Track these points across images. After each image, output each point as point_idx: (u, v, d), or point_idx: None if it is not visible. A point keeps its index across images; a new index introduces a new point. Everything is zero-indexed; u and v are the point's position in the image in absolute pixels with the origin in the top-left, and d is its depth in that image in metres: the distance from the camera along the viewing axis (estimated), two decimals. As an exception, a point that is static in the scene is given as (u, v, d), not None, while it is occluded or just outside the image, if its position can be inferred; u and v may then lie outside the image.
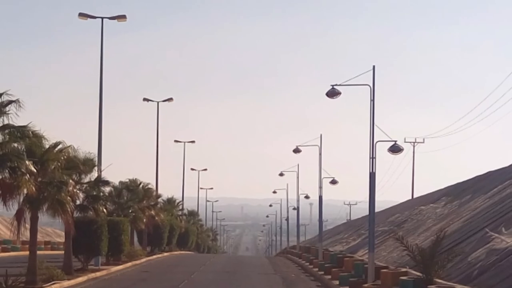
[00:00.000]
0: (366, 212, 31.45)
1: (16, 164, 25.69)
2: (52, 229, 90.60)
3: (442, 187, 61.83)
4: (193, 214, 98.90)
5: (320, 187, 47.08)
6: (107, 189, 40.72)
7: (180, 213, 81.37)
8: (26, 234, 31.53)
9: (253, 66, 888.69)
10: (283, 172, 63.71)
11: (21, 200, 27.79)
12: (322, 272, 38.31)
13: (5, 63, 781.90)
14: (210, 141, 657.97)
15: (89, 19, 45.06)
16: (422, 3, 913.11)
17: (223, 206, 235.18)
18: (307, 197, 68.91)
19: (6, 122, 26.18)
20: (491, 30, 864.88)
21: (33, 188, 26.72)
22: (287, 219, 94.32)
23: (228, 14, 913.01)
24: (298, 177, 62.34)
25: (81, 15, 45.00)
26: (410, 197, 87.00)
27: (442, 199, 51.65)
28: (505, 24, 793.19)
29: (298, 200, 66.15)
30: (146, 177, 60.60)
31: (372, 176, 28.15)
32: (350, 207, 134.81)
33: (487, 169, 53.43)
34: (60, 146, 30.14)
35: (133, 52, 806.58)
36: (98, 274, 36.60)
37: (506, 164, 48.69)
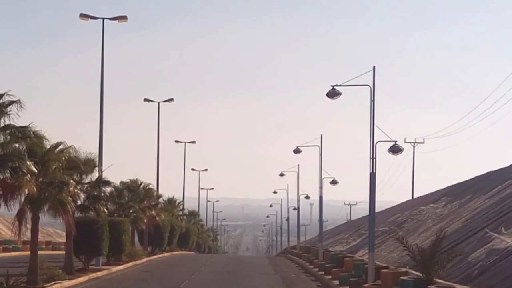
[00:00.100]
0: (366, 212, 31.49)
1: (17, 165, 25.75)
2: (53, 229, 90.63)
3: (442, 187, 61.91)
4: (193, 214, 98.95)
5: (321, 187, 47.11)
6: (108, 189, 40.78)
7: (180, 213, 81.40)
8: (27, 234, 31.53)
9: (254, 66, 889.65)
10: (284, 172, 63.71)
11: (22, 200, 27.78)
12: (323, 272, 38.37)
13: (6, 64, 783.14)
14: (211, 142, 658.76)
15: (90, 19, 45.13)
16: (422, 4, 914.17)
17: (223, 206, 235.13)
18: (307, 197, 68.94)
19: (7, 122, 26.23)
20: (491, 31, 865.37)
21: (34, 188, 26.79)
22: (287, 219, 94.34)
23: (228, 15, 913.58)
24: (298, 177, 62.44)
25: (82, 15, 45.07)
26: (410, 197, 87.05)
27: (442, 199, 51.69)
28: (505, 25, 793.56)
29: (298, 200, 66.18)
30: (147, 178, 60.90)
31: (372, 176, 28.19)
32: (350, 207, 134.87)
33: (487, 169, 53.58)
34: (61, 147, 30.18)
35: (134, 53, 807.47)
36: (99, 274, 36.65)
37: (506, 164, 48.75)
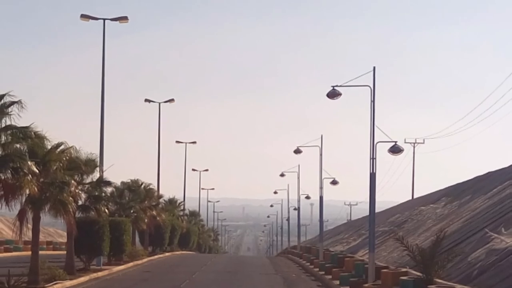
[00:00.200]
0: (367, 213, 31.51)
1: (18, 165, 25.79)
2: (54, 229, 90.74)
3: (442, 187, 61.98)
4: (194, 214, 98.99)
5: (321, 188, 47.14)
6: (109, 189, 40.72)
7: (181, 213, 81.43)
8: (28, 234, 31.61)
9: (254, 66, 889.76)
10: (284, 173, 63.77)
11: (24, 200, 27.84)
12: (323, 272, 38.43)
13: (8, 64, 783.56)
14: (211, 142, 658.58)
15: (91, 20, 45.15)
16: (422, 4, 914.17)
17: (224, 207, 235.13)
18: (307, 197, 68.99)
19: (8, 123, 26.27)
20: (491, 31, 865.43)
21: (35, 189, 26.86)
22: (288, 219, 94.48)
23: (228, 15, 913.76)
24: (299, 178, 62.52)
25: (83, 16, 45.12)
26: (410, 198, 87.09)
27: (442, 200, 51.74)
28: (505, 25, 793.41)
29: (299, 201, 66.26)
30: (147, 178, 60.87)
31: (372, 176, 28.24)
32: (350, 207, 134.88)
33: (487, 169, 53.65)
34: (62, 147, 30.23)
35: (135, 53, 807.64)
36: (100, 274, 36.68)
37: (506, 165, 48.81)
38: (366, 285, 26.82)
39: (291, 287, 34.36)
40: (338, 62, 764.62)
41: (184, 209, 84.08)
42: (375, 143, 27.99)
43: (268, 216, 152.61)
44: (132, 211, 49.97)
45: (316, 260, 44.87)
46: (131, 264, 44.90)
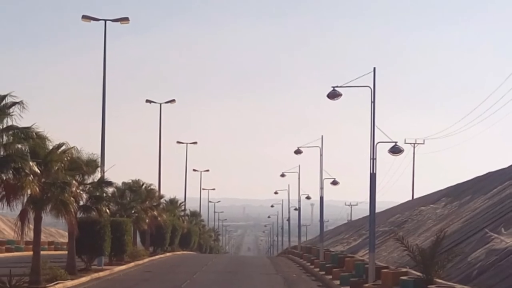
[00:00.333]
0: (367, 213, 31.57)
1: (20, 165, 25.83)
2: (55, 230, 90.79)
3: (442, 187, 62.00)
4: (195, 214, 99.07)
5: (321, 188, 47.16)
6: (110, 190, 40.74)
7: (182, 213, 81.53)
8: (29, 235, 31.70)
9: (254, 67, 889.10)
10: (285, 173, 63.81)
11: (25, 200, 27.91)
12: (323, 272, 38.50)
13: (9, 65, 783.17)
14: (212, 142, 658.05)
15: (92, 21, 45.15)
16: (422, 5, 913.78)
17: (225, 207, 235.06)
18: (308, 197, 69.11)
19: (10, 123, 26.32)
20: (491, 31, 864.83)
21: (37, 189, 26.90)
22: (288, 220, 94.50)
23: (229, 16, 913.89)
24: (299, 178, 62.61)
25: (85, 17, 45.15)
26: (411, 198, 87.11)
27: (442, 200, 51.80)
28: (505, 25, 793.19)
29: (299, 201, 66.41)
30: (148, 178, 61.04)
31: (372, 177, 28.31)
32: (351, 207, 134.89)
33: (486, 170, 53.77)
34: (63, 147, 30.28)
35: (136, 54, 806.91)
36: (101, 274, 36.75)
37: (506, 165, 48.88)
38: (366, 285, 26.89)
39: (292, 287, 34.44)
40: (339, 63, 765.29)
41: (185, 209, 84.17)
42: (375, 143, 28.06)
43: (269, 216, 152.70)
44: (133, 211, 50.03)
45: (316, 260, 44.94)
46: (132, 264, 44.97)
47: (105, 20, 45.10)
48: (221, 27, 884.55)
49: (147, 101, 68.50)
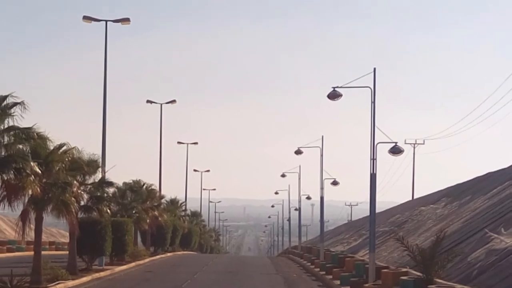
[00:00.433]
0: (367, 213, 31.64)
1: (21, 166, 25.88)
2: (56, 230, 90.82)
3: (442, 188, 62.04)
4: (196, 214, 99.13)
5: (322, 188, 47.20)
6: (111, 190, 40.73)
7: (183, 213, 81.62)
8: (31, 235, 31.77)
9: (255, 68, 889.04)
10: (285, 173, 63.92)
11: (26, 201, 27.94)
12: (324, 272, 38.58)
13: (10, 66, 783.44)
14: (213, 143, 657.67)
15: (93, 22, 45.19)
16: (422, 6, 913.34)
17: (225, 207, 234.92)
18: (308, 198, 69.13)
19: (11, 124, 26.38)
20: (490, 32, 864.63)
21: (38, 189, 26.94)
22: (289, 220, 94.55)
23: (230, 18, 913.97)
24: (299, 178, 62.66)
25: (86, 18, 45.20)
26: (411, 198, 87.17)
27: (442, 200, 51.86)
28: (505, 26, 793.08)
29: (299, 201, 66.48)
30: (149, 178, 61.00)
31: (373, 177, 28.37)
32: (351, 207, 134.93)
33: (486, 170, 53.82)
34: (64, 148, 30.28)
35: (137, 55, 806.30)
36: (102, 274, 36.82)
37: (506, 165, 48.94)
38: (366, 285, 26.96)
39: (292, 287, 34.51)
40: (339, 64, 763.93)
41: (185, 210, 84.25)
42: (375, 144, 28.12)
43: (269, 217, 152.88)
44: (134, 211, 50.09)
45: (316, 260, 45.01)
46: (133, 264, 45.05)
47: (106, 21, 45.15)
48: (222, 28, 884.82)
49: (148, 101, 68.61)
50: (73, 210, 30.34)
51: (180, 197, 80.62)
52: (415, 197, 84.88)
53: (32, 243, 35.53)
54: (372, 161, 28.25)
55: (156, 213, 55.02)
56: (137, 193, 51.40)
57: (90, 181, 36.20)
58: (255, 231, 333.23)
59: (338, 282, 32.58)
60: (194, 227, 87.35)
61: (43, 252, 31.36)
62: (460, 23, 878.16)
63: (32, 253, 31.12)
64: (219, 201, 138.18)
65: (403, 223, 51.59)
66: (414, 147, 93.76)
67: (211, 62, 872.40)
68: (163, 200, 63.51)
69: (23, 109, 26.34)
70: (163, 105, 68.25)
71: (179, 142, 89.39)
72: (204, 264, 49.89)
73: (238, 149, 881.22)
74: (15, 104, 26.35)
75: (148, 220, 51.71)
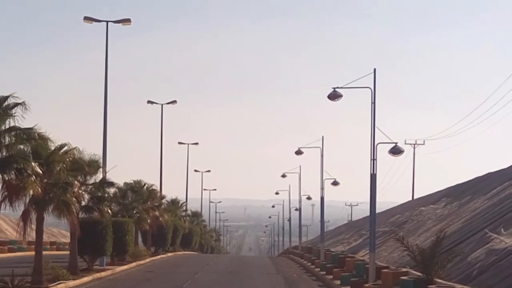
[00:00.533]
0: (367, 213, 31.68)
1: (22, 166, 25.91)
2: (57, 230, 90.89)
3: (442, 188, 62.07)
4: (196, 215, 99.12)
5: (322, 188, 47.23)
6: (112, 190, 40.82)
7: (184, 214, 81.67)
8: (32, 235, 31.81)
9: (255, 68, 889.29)
10: (286, 174, 63.95)
11: (27, 201, 27.96)
12: (324, 272, 38.64)
13: (12, 66, 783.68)
14: (214, 143, 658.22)
15: (94, 22, 45.21)
16: (422, 6, 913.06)
17: (226, 207, 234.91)
18: (309, 198, 69.18)
19: (12, 124, 26.38)
20: (490, 33, 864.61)
21: (39, 189, 26.97)
22: (289, 220, 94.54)
23: (230, 18, 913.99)
24: (300, 179, 62.69)
25: (86, 18, 45.23)
26: (411, 198, 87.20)
27: (442, 200, 51.91)
28: (505, 26, 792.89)
29: (300, 201, 66.54)
30: (150, 179, 61.22)
31: (373, 177, 28.42)
32: (351, 208, 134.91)
33: (486, 170, 53.75)
34: (65, 148, 30.27)
35: (138, 55, 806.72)
36: (103, 274, 36.87)
37: (506, 166, 48.97)
38: (366, 285, 27.02)
39: (293, 287, 34.58)
40: (339, 64, 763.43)
41: (186, 210, 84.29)
42: (375, 144, 28.16)
43: (270, 217, 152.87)
44: (135, 211, 50.14)
45: (317, 260, 45.07)
46: (134, 264, 45.10)
47: (107, 22, 45.16)
48: (222, 28, 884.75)
49: (149, 102, 68.66)
50: (74, 210, 30.39)
51: (181, 197, 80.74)
52: (415, 197, 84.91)
53: (33, 243, 35.57)
54: (372, 161, 28.31)
55: (157, 213, 55.07)
56: (138, 193, 51.45)
57: (91, 181, 36.25)
58: (255, 231, 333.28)
59: (338, 282, 32.65)
60: (194, 227, 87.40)
61: (44, 252, 31.40)
62: (460, 23, 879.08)
63: (33, 253, 31.14)
64: (220, 201, 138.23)
65: (403, 223, 51.65)
66: (414, 148, 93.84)
67: (211, 62, 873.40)
68: (164, 200, 63.52)
69: (24, 109, 26.35)
70: (163, 106, 68.32)
71: (179, 143, 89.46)
72: (205, 264, 49.95)
73: (239, 150, 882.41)
74: (16, 104, 26.36)
75: (149, 220, 51.75)
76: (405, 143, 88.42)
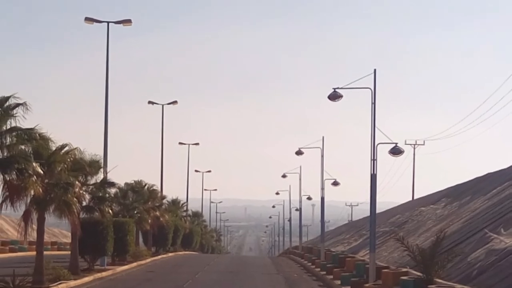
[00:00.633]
0: (368, 213, 31.73)
1: (23, 166, 25.96)
2: (58, 230, 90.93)
3: (442, 188, 62.07)
4: (197, 215, 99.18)
5: (322, 189, 47.26)
6: (112, 190, 40.87)
7: (184, 214, 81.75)
8: (33, 235, 31.83)
9: (256, 69, 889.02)
10: (286, 174, 63.99)
11: (28, 201, 27.95)
12: (324, 272, 38.69)
13: (13, 67, 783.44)
14: (214, 143, 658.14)
15: (95, 23, 45.30)
16: (422, 7, 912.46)
17: (227, 207, 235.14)
18: (309, 198, 69.26)
19: (13, 124, 26.41)
20: (490, 33, 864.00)
21: (40, 190, 27.04)
22: (289, 220, 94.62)
23: (231, 19, 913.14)
24: (300, 179, 62.71)
25: (87, 19, 45.29)
26: (411, 198, 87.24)
27: (442, 200, 51.95)
28: (504, 27, 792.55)
29: (300, 201, 66.58)
30: (151, 179, 61.10)
31: (373, 177, 28.47)
32: (351, 208, 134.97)
33: (486, 170, 53.77)
34: (66, 148, 30.31)
35: (139, 56, 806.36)
36: (104, 274, 36.95)
37: (505, 166, 48.98)
38: (367, 285, 27.07)
39: (293, 287, 34.64)
40: (339, 65, 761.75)
41: (187, 210, 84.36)
42: (375, 144, 28.20)
43: (270, 217, 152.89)
44: (135, 211, 50.20)
45: (317, 260, 45.13)
46: (134, 264, 45.18)
47: (108, 22, 45.27)
48: (223, 29, 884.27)
49: (150, 102, 68.77)
50: (75, 211, 30.42)
51: (182, 197, 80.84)
52: (415, 198, 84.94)
53: (34, 243, 35.62)
54: (372, 161, 28.36)
55: (157, 213, 55.13)
56: (139, 194, 51.53)
57: (92, 181, 36.30)
58: (256, 231, 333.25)
59: (338, 282, 32.71)
60: (195, 227, 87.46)
61: (45, 252, 31.45)
62: (460, 24, 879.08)
63: (34, 253, 31.18)
64: (220, 202, 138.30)
65: (403, 224, 51.70)
66: (414, 148, 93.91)
67: (211, 63, 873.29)
68: (164, 201, 63.59)
69: (25, 110, 26.37)
70: (164, 106, 68.47)
71: (180, 143, 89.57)
72: (206, 264, 50.02)
73: (239, 150, 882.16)
74: (18, 105, 26.39)
75: (149, 220, 51.81)
76: (405, 144, 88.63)
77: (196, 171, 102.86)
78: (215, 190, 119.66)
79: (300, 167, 61.33)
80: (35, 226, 30.05)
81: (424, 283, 22.18)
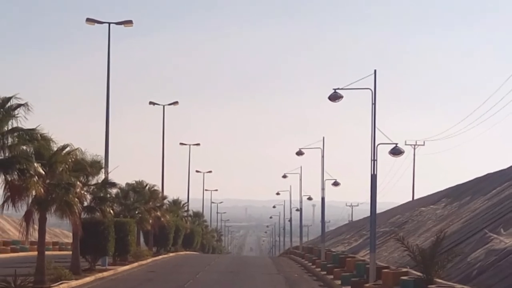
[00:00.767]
0: (368, 213, 31.79)
1: (25, 166, 26.01)
2: (60, 230, 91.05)
3: (442, 188, 62.10)
4: (198, 215, 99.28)
5: (323, 189, 47.30)
6: (114, 190, 40.90)
7: (185, 214, 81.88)
8: (34, 235, 31.89)
9: (257, 70, 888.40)
10: (286, 174, 64.06)
11: (30, 201, 28.01)
12: (325, 272, 38.75)
13: (14, 67, 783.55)
14: (215, 144, 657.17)
15: (96, 24, 45.43)
16: (422, 7, 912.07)
17: (227, 208, 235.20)
18: (309, 198, 69.28)
19: (15, 125, 26.44)
20: (490, 34, 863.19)
21: (42, 190, 27.10)
22: (290, 220, 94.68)
23: (232, 20, 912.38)
24: (301, 179, 62.76)
25: (89, 20, 45.40)
26: (411, 199, 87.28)
27: (442, 201, 52.00)
28: (504, 27, 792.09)
29: (301, 202, 66.62)
30: (152, 179, 61.02)
31: (373, 178, 28.53)
32: (352, 208, 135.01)
33: (486, 171, 53.80)
34: (68, 149, 30.33)
35: (140, 57, 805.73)
36: (105, 274, 37.02)
37: (505, 166, 49.00)
38: (367, 285, 27.13)
39: (293, 287, 34.72)
40: (340, 66, 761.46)
41: (188, 210, 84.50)
42: (376, 145, 28.25)
43: (271, 217, 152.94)
44: (136, 212, 50.28)
45: (318, 260, 45.19)
46: (135, 264, 45.25)
47: (109, 23, 45.39)
48: (223, 30, 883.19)
49: (151, 103, 68.88)
50: (76, 211, 30.45)
51: (183, 197, 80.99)
52: (415, 198, 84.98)
53: (35, 244, 35.67)
54: (372, 162, 28.41)
55: (158, 213, 55.21)
56: (140, 194, 51.61)
57: (93, 182, 36.38)
58: (256, 231, 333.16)
59: (339, 282, 32.77)
60: (196, 228, 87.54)
61: (46, 252, 31.50)
62: (460, 24, 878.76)
63: (35, 253, 31.24)
64: (221, 202, 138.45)
65: (403, 224, 51.76)
66: (415, 148, 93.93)
67: (212, 63, 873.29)
68: (165, 201, 63.69)
69: (27, 110, 26.41)
70: (165, 107, 68.63)
71: (181, 143, 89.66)
72: (206, 264, 50.09)
73: (240, 150, 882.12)
74: (19, 105, 26.44)
75: (150, 221, 51.88)
76: (405, 144, 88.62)
77: (197, 171, 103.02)
78: (216, 190, 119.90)
79: (301, 167, 61.45)
80: (36, 226, 30.09)
81: (424, 283, 22.23)
